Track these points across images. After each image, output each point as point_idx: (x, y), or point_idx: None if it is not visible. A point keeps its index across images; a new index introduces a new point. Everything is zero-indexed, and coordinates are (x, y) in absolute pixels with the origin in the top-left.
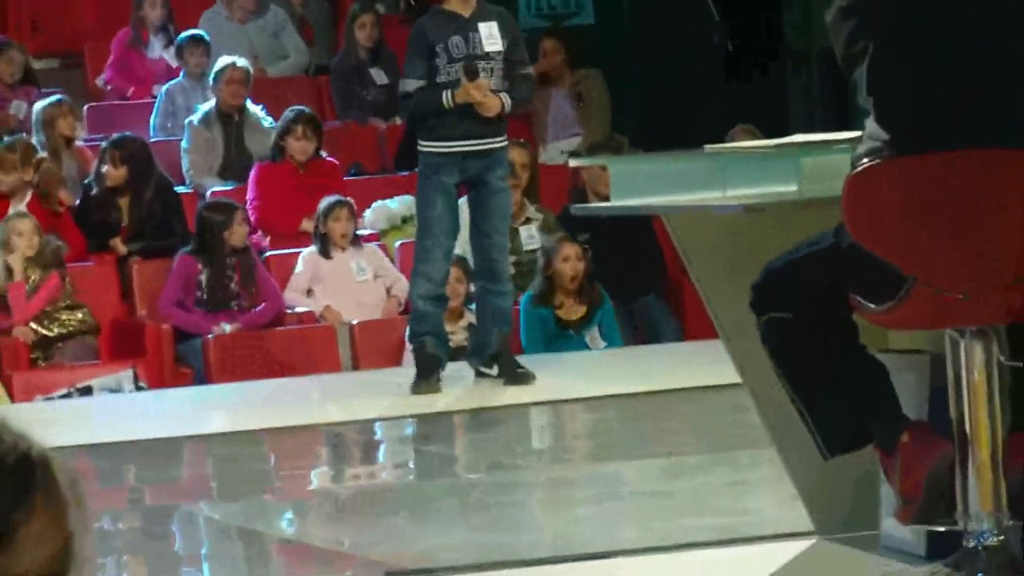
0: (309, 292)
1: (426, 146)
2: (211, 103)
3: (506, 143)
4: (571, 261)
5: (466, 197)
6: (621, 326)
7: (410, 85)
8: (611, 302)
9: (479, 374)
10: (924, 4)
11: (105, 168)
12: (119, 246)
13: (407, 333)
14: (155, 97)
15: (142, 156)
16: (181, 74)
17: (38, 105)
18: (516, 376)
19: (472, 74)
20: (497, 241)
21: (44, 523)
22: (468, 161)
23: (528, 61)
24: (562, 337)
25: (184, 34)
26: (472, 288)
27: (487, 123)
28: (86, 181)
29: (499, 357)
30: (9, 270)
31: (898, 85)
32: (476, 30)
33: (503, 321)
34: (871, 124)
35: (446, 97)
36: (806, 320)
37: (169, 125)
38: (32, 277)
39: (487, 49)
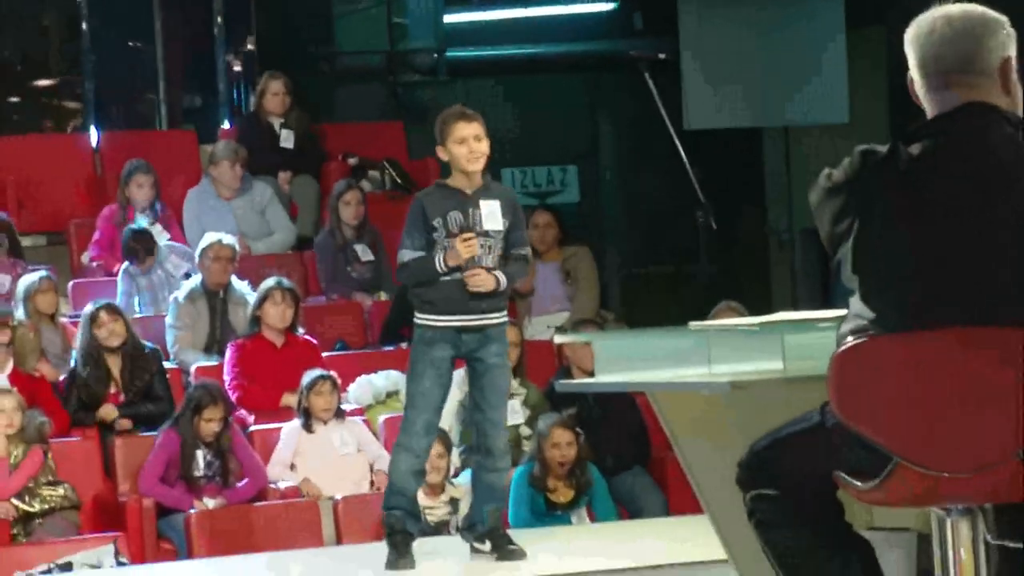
0: (292, 466)
1: (421, 319)
2: (197, 279)
3: (505, 320)
4: (561, 448)
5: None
6: None
7: (407, 256)
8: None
9: (474, 550)
10: (911, 183)
11: (99, 331)
12: (110, 412)
13: (383, 503)
14: None
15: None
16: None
17: (22, 281)
18: (507, 552)
19: (461, 231)
20: (491, 416)
21: None
22: (463, 336)
23: (527, 243)
24: (550, 517)
25: (130, 227)
26: (454, 462)
27: (483, 298)
28: (74, 350)
29: (492, 532)
30: None
31: (884, 263)
32: (477, 207)
33: (497, 497)
34: (856, 302)
35: (439, 261)
36: (792, 497)
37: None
38: (14, 453)
39: (486, 227)
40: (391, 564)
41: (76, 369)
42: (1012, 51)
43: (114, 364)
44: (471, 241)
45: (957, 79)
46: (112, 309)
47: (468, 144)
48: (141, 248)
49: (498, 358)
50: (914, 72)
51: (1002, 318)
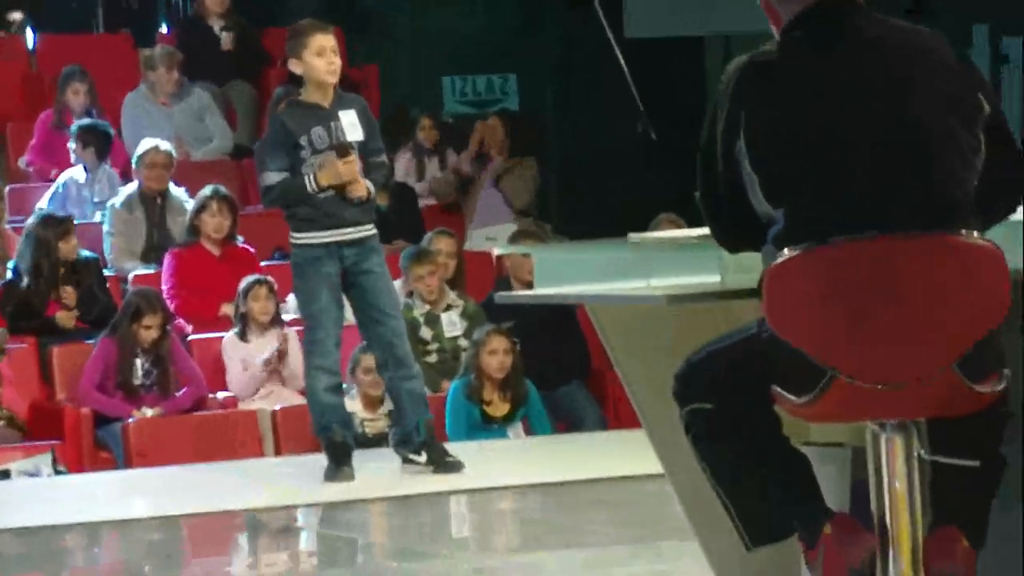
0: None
1: (301, 239)
2: (133, 185)
3: (376, 231)
4: (499, 355)
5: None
6: None
7: (272, 178)
8: (537, 391)
9: (407, 461)
10: (791, 72)
11: (66, 244)
12: (68, 319)
13: (312, 426)
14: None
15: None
16: (83, 165)
17: None
18: (446, 464)
19: (343, 152)
20: (392, 326)
21: None
22: (344, 250)
23: (384, 149)
24: (486, 431)
25: (78, 123)
26: None
27: (358, 212)
28: (10, 264)
29: (427, 444)
30: None
31: (775, 154)
32: (336, 119)
33: (423, 405)
34: (762, 203)
35: (309, 181)
36: (728, 411)
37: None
38: None
39: (349, 138)
40: (331, 475)
41: (17, 278)
42: None
43: (59, 274)
44: (352, 161)
45: None
46: (72, 222)
47: (327, 56)
48: (96, 142)
49: (381, 267)
50: None
51: (920, 221)
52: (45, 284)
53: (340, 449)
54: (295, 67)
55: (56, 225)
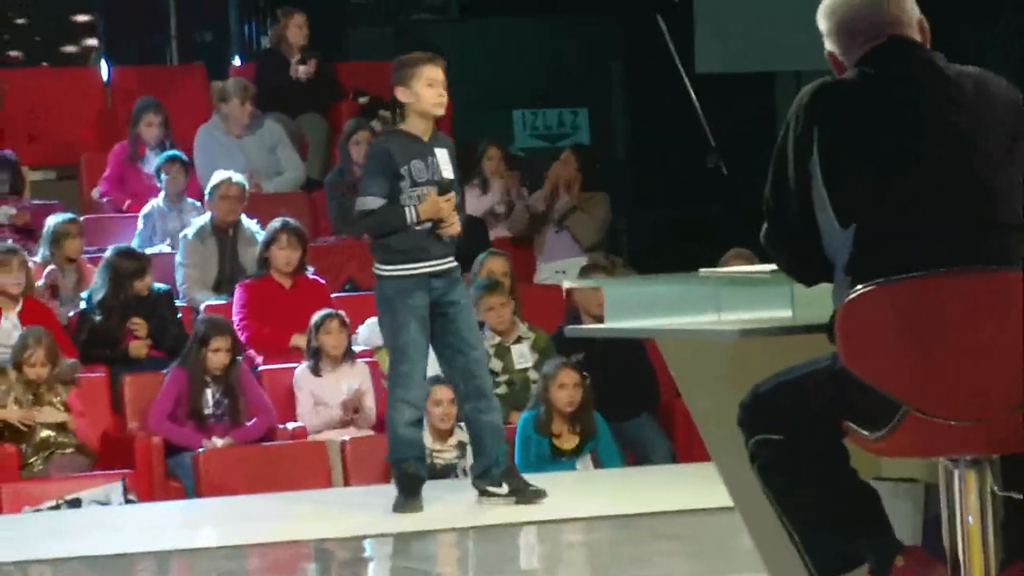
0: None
1: (392, 271)
2: (206, 217)
3: (458, 264)
4: (568, 389)
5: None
6: None
7: (372, 203)
8: (606, 424)
9: (486, 494)
10: (866, 99)
11: (141, 282)
12: (140, 349)
13: (388, 455)
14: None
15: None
16: (161, 196)
17: (50, 221)
18: (528, 493)
19: (445, 189)
20: (475, 357)
21: None
22: (433, 281)
23: (461, 191)
24: (555, 463)
25: (164, 155)
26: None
27: (443, 244)
28: (83, 295)
29: (508, 474)
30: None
31: (849, 174)
32: (433, 155)
33: (500, 437)
34: (832, 223)
35: (410, 214)
36: (797, 443)
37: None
38: (59, 397)
39: (444, 175)
40: (399, 506)
41: (91, 309)
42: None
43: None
44: (451, 199)
45: (883, 33)
46: (148, 259)
47: (437, 88)
48: (184, 174)
49: (465, 299)
50: (835, 40)
51: (996, 256)
52: (118, 319)
53: (412, 480)
54: (402, 95)
55: (133, 261)
